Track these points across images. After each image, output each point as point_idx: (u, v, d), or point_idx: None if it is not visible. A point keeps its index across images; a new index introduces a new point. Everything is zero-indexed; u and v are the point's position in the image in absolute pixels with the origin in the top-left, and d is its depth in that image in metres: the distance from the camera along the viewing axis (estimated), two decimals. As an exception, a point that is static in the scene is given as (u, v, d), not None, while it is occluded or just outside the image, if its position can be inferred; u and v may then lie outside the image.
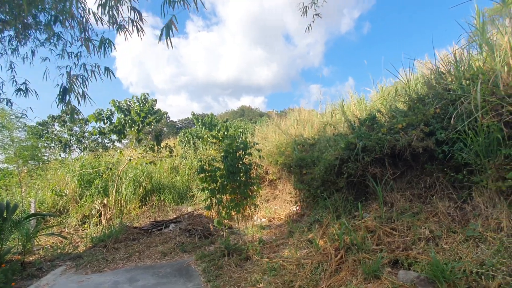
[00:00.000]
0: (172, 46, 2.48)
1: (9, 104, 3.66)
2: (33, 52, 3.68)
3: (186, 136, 13.46)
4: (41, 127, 13.81)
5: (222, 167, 4.36)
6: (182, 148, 13.11)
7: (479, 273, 2.22)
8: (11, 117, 5.96)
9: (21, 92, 3.46)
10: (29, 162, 10.76)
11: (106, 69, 3.83)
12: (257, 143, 4.56)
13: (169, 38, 2.48)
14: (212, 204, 4.21)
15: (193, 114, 10.28)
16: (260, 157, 4.92)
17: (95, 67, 3.60)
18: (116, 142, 16.20)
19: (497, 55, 3.27)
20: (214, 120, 10.28)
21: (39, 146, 12.30)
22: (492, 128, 2.78)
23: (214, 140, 10.24)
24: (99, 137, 16.28)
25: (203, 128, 10.36)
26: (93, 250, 5.12)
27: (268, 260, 3.60)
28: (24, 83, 3.48)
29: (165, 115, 7.78)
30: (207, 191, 4.19)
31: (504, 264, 2.18)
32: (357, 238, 3.32)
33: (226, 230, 4.62)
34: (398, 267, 2.78)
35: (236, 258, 3.88)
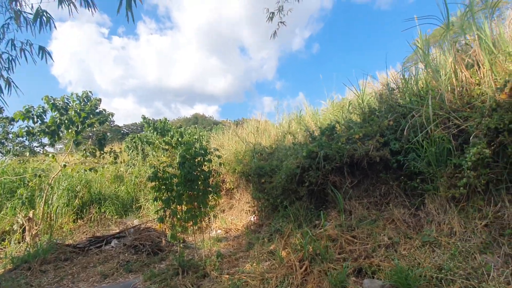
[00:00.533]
0: (133, 20, 2.11)
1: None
2: None
3: (134, 142, 12.39)
4: None
5: (178, 174, 3.97)
6: (128, 155, 12.01)
7: (439, 278, 2.29)
8: None
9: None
10: None
11: (41, 48, 3.18)
12: (217, 149, 4.29)
13: (131, 10, 2.11)
14: (166, 216, 3.77)
15: (144, 118, 9.50)
16: (220, 164, 4.65)
17: (27, 44, 2.96)
18: (47, 146, 14.14)
19: (443, 73, 3.61)
20: (167, 126, 9.63)
21: None
22: (442, 139, 3.00)
23: (167, 147, 9.58)
24: (26, 139, 14.02)
25: (155, 133, 9.62)
26: (13, 273, 4.19)
27: (228, 276, 3.30)
28: None
29: (110, 117, 6.99)
30: (160, 201, 3.74)
31: (460, 268, 2.29)
32: (320, 247, 3.26)
33: (181, 245, 4.19)
34: (362, 275, 2.76)
35: (192, 276, 3.49)
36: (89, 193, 8.53)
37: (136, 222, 7.07)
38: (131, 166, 10.71)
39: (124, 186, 9.54)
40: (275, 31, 4.29)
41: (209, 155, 4.04)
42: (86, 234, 6.58)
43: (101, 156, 6.80)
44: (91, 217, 7.92)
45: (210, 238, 5.50)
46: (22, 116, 6.16)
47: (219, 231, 6.41)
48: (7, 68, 3.17)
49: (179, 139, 9.13)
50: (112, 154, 6.88)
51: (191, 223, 3.89)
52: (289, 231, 4.15)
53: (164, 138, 9.11)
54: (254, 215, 6.39)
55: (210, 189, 4.05)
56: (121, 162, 7.77)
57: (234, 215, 6.99)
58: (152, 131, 9.64)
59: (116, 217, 8.16)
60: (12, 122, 14.12)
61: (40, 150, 13.84)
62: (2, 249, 6.14)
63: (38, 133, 6.12)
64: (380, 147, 3.87)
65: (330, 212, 4.22)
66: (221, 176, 5.91)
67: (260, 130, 9.28)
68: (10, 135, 13.64)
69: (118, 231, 6.28)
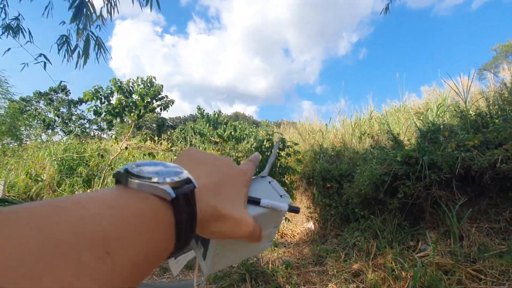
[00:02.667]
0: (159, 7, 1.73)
1: None
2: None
3: (183, 132, 12.49)
4: (24, 102, 12.48)
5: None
6: (176, 145, 12.12)
7: None
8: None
9: (10, 31, 2.51)
10: (5, 139, 9.51)
11: (100, 46, 2.85)
12: (297, 143, 3.76)
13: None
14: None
15: (199, 109, 9.39)
16: (298, 161, 4.11)
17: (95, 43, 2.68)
18: (105, 130, 14.97)
19: None
20: (220, 118, 9.41)
21: (19, 122, 11.02)
22: None
23: (218, 140, 9.35)
24: (87, 122, 15.02)
25: (207, 125, 9.46)
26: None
27: (311, 295, 2.73)
28: (17, 18, 2.51)
29: (171, 104, 6.86)
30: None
31: None
32: (435, 278, 2.53)
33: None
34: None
35: (263, 287, 2.99)
36: (141, 178, 8.59)
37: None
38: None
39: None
40: (387, 5, 3.63)
41: (287, 148, 3.52)
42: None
43: (159, 142, 6.71)
44: (141, 202, 7.93)
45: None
46: (91, 96, 6.27)
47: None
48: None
49: (232, 132, 8.83)
50: (170, 140, 6.76)
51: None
52: (375, 249, 3.45)
53: (217, 130, 8.88)
54: (313, 223, 5.75)
55: (285, 187, 3.51)
56: (176, 151, 7.68)
57: (289, 219, 6.41)
58: (205, 122, 9.48)
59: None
60: (76, 105, 15.26)
61: (98, 133, 14.71)
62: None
63: (105, 113, 6.18)
64: (510, 159, 3.00)
65: (429, 234, 3.42)
66: (296, 175, 5.35)
67: (317, 132, 8.61)
68: (74, 117, 14.69)
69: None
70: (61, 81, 3.24)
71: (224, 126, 9.25)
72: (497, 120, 3.48)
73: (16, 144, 10.17)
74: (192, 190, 0.27)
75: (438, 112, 5.27)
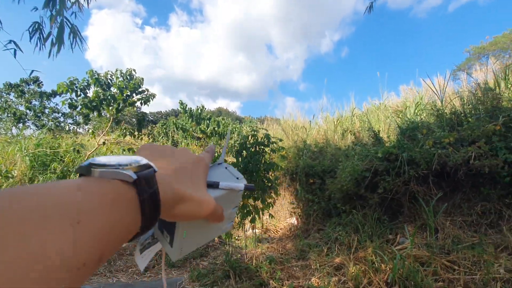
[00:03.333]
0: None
1: None
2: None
3: (165, 128, 12.19)
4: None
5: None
6: (157, 141, 11.82)
7: None
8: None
9: None
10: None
11: (75, 35, 2.69)
12: (281, 140, 3.76)
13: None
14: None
15: (181, 104, 9.16)
16: (282, 157, 4.11)
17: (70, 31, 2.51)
18: (82, 124, 14.30)
19: None
20: (203, 114, 9.26)
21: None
22: None
23: (201, 135, 9.22)
24: (61, 115, 14.28)
25: (190, 120, 9.28)
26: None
27: (295, 290, 2.76)
28: None
29: (151, 98, 6.66)
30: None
31: None
32: (412, 270, 2.63)
33: (228, 243, 3.70)
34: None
35: (247, 283, 2.98)
36: (120, 174, 8.32)
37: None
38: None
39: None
40: (371, 4, 3.67)
41: (272, 145, 3.51)
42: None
43: (140, 137, 6.50)
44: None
45: (248, 237, 5.00)
46: (66, 88, 5.95)
47: (256, 230, 5.90)
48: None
49: (215, 128, 8.72)
50: (150, 136, 6.56)
51: (246, 220, 3.38)
52: (356, 243, 3.54)
53: (200, 126, 8.73)
54: (296, 218, 5.83)
55: (269, 184, 3.52)
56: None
57: (272, 215, 6.45)
58: (187, 117, 9.29)
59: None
60: (50, 98, 14.45)
61: (73, 128, 14.03)
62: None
63: (81, 107, 5.88)
64: (483, 156, 3.17)
65: (407, 227, 3.56)
66: (280, 172, 5.35)
67: (300, 128, 8.70)
68: (47, 110, 13.92)
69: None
70: (33, 70, 3.01)
71: (207, 121, 9.12)
72: (470, 119, 3.65)
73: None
74: (152, 174, 0.28)
75: (416, 111, 5.47)
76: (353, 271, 2.99)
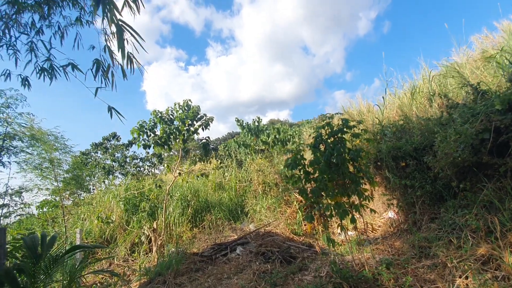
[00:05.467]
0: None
1: (26, 83, 2.72)
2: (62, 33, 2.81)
3: (227, 149, 12.48)
4: (84, 156, 13.72)
5: (312, 160, 3.06)
6: (224, 163, 12.13)
7: None
8: (49, 136, 5.28)
9: (45, 73, 2.54)
10: (76, 191, 10.33)
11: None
12: (361, 121, 3.23)
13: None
14: (314, 213, 2.89)
15: (238, 120, 9.26)
16: (368, 141, 3.57)
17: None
18: (157, 164, 15.79)
19: None
20: (261, 125, 9.14)
21: (83, 175, 12.06)
22: None
23: (264, 147, 9.04)
24: (139, 160, 16.00)
25: (249, 135, 9.25)
26: (150, 287, 4.01)
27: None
28: (49, 58, 2.52)
29: (210, 121, 6.76)
30: (303, 195, 2.89)
31: None
32: None
33: (319, 250, 3.24)
34: None
35: (370, 295, 2.47)
36: (198, 201, 8.62)
37: (251, 226, 6.56)
38: (230, 174, 10.66)
39: (226, 193, 9.40)
40: None
41: (353, 129, 3.02)
42: (206, 242, 6.38)
43: (208, 161, 6.63)
44: (204, 224, 7.88)
45: (344, 242, 4.43)
46: (137, 131, 6.45)
47: (350, 233, 5.26)
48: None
49: (276, 136, 8.46)
50: (218, 158, 6.64)
51: (345, 221, 2.90)
52: (499, 226, 2.70)
53: (261, 138, 8.59)
54: (393, 210, 5.02)
55: (361, 174, 2.99)
56: (226, 166, 7.54)
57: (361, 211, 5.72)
58: (246, 132, 9.28)
59: (226, 223, 7.95)
60: (127, 148, 16.38)
61: (151, 170, 15.53)
62: (133, 260, 6.46)
63: (153, 145, 6.28)
64: None
65: None
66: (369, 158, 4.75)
67: (364, 113, 7.82)
68: (128, 159, 15.75)
69: (236, 237, 5.83)
70: (115, 132, 3.27)
71: (267, 132, 8.93)
72: None
73: (85, 194, 11.09)
74: None
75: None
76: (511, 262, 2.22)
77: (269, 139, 8.62)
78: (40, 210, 9.57)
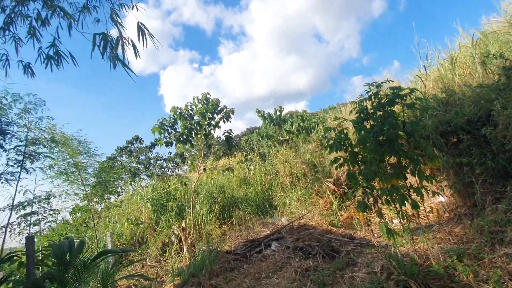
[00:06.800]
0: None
1: (29, 71, 2.52)
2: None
3: (248, 143, 12.16)
4: (110, 160, 13.99)
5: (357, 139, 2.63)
6: (249, 155, 11.83)
7: None
8: (72, 140, 5.20)
9: (51, 61, 2.32)
10: (104, 195, 10.49)
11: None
12: (414, 89, 2.76)
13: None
14: (368, 200, 2.47)
15: (258, 111, 8.88)
16: (425, 110, 3.08)
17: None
18: (179, 165, 15.86)
19: None
20: (282, 114, 8.71)
21: (111, 179, 12.28)
22: None
23: (287, 136, 8.62)
24: (163, 161, 16.14)
25: (271, 125, 8.85)
26: (184, 290, 3.79)
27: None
28: (53, 44, 2.29)
29: (231, 113, 6.45)
30: (352, 180, 2.47)
31: None
32: None
33: (390, 242, 2.82)
34: None
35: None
36: (224, 197, 8.39)
37: (284, 220, 6.21)
38: (254, 167, 10.35)
39: (251, 188, 9.10)
40: None
41: (405, 99, 2.55)
42: (238, 239, 6.12)
43: (232, 155, 6.34)
44: (233, 220, 7.64)
45: (399, 229, 3.96)
46: (158, 129, 6.28)
47: (394, 221, 4.77)
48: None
49: (301, 123, 8.01)
50: (243, 152, 6.34)
51: (405, 207, 2.45)
52: None
53: (284, 127, 8.17)
54: (444, 194, 4.46)
55: (419, 151, 2.53)
56: (250, 159, 7.24)
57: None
58: (268, 123, 8.89)
59: (255, 218, 7.66)
60: (151, 149, 16.58)
61: (174, 170, 15.63)
62: (165, 260, 6.34)
63: (175, 141, 6.08)
64: None
65: None
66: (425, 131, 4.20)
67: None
68: (152, 161, 15.92)
69: (269, 232, 5.51)
70: (137, 135, 3.06)
71: (290, 120, 8.49)
72: None
73: (115, 198, 11.27)
74: None
75: None
76: None
77: (293, 128, 8.18)
78: (73, 216, 9.80)
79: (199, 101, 6.73)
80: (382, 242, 3.92)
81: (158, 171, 15.21)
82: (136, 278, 3.88)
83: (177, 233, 6.62)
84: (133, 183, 12.71)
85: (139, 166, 14.65)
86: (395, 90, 2.49)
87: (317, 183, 7.18)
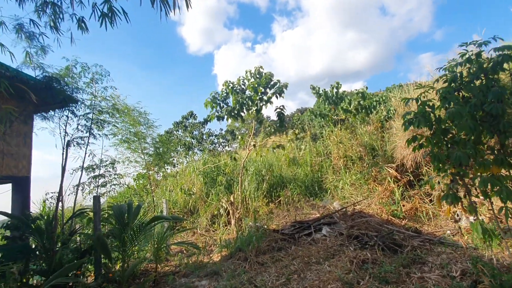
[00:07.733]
0: None
1: (83, 26, 2.53)
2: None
3: (299, 123, 11.67)
4: (168, 134, 14.94)
5: (444, 118, 2.09)
6: (300, 133, 11.42)
7: None
8: (133, 111, 5.48)
9: (105, 19, 2.26)
10: (161, 165, 11.26)
11: None
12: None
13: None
14: (458, 190, 1.98)
15: (313, 88, 8.30)
16: None
17: None
18: (229, 142, 16.25)
19: None
20: (340, 91, 7.99)
21: (168, 151, 13.17)
22: None
23: (343, 116, 7.93)
24: (215, 137, 16.71)
25: (326, 103, 8.23)
26: (231, 263, 3.79)
27: None
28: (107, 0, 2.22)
29: (285, 87, 6.07)
30: (438, 164, 1.99)
31: None
32: None
33: (471, 243, 2.30)
34: None
35: None
36: (272, 176, 8.26)
37: (336, 204, 5.82)
38: (304, 148, 9.95)
39: (301, 168, 8.76)
40: None
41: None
42: (284, 218, 5.97)
43: (284, 131, 6.06)
44: (280, 200, 7.51)
45: (470, 230, 3.31)
46: (210, 103, 6.28)
47: (471, 218, 4.03)
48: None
49: (361, 102, 7.25)
50: (295, 129, 6.00)
51: (506, 203, 1.90)
52: None
53: (341, 105, 7.51)
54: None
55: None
56: (302, 137, 6.88)
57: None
58: (323, 101, 8.27)
59: (304, 199, 7.40)
60: (204, 125, 17.23)
61: (224, 147, 16.07)
62: (214, 231, 6.56)
63: (226, 115, 6.02)
64: None
65: None
66: None
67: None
68: (204, 136, 16.58)
69: (319, 215, 5.21)
70: (192, 111, 3.01)
71: (348, 98, 7.75)
72: None
73: (171, 168, 12.09)
74: None
75: None
76: None
77: (351, 106, 7.47)
78: (137, 182, 10.80)
79: (252, 75, 6.49)
80: (458, 242, 3.32)
81: (210, 146, 15.81)
82: (186, 246, 4.01)
83: (225, 207, 6.77)
84: (187, 156, 13.42)
85: (192, 140, 15.39)
86: (505, 51, 1.86)
87: (376, 168, 6.53)
